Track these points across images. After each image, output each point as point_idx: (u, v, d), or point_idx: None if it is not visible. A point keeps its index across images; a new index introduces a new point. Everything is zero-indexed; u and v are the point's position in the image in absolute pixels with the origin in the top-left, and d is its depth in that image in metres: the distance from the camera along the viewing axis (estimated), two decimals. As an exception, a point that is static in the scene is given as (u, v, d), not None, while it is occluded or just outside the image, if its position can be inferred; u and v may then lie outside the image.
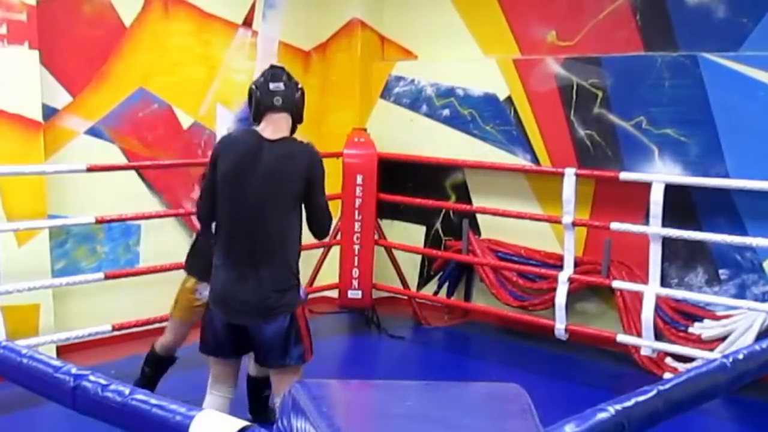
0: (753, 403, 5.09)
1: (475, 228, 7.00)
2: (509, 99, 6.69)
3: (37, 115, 5.52)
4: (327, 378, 4.20)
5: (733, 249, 5.62)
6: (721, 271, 5.73)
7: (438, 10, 7.13)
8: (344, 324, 7.18)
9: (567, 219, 5.99)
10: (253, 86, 3.71)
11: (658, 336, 5.68)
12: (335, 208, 7.03)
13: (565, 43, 6.43)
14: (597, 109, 6.20)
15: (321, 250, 7.01)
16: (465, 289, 7.22)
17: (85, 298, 5.93)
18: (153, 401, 1.93)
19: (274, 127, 3.67)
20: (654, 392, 1.92)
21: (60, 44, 5.77)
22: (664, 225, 5.54)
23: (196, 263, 4.62)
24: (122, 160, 6.19)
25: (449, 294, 7.17)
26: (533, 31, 6.61)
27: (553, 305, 6.03)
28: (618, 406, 1.82)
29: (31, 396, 2.21)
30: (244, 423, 1.83)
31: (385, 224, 7.35)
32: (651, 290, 5.60)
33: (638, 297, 5.76)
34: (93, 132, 6.03)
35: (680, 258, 5.88)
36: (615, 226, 5.78)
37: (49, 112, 5.73)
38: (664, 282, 5.81)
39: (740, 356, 2.23)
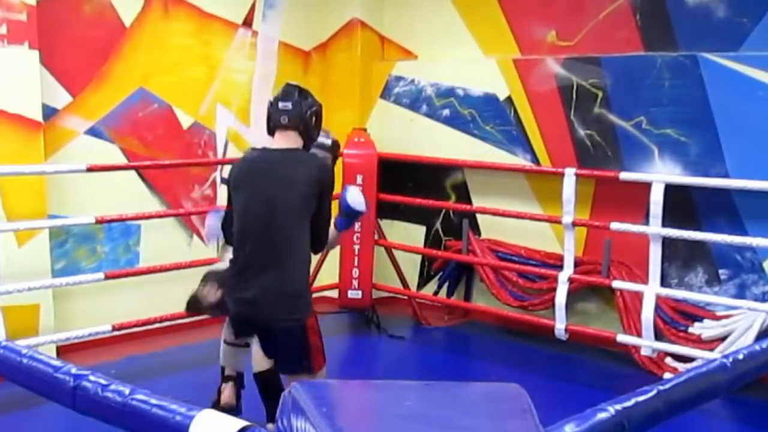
0: (753, 403, 5.08)
1: (475, 228, 6.99)
2: (509, 99, 6.69)
3: (37, 115, 5.52)
4: (327, 378, 4.22)
5: (733, 249, 5.61)
6: (721, 271, 5.73)
7: (438, 10, 7.13)
8: (344, 324, 7.18)
9: (567, 219, 5.98)
10: (269, 102, 3.85)
11: (658, 336, 5.67)
12: (335, 208, 7.07)
13: (565, 43, 6.43)
14: (597, 109, 6.19)
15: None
16: (465, 289, 7.22)
17: (85, 298, 5.93)
18: (153, 401, 1.94)
19: (282, 142, 3.80)
20: (654, 392, 1.92)
21: (60, 44, 5.77)
22: (664, 225, 5.53)
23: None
24: (122, 160, 6.19)
25: (449, 294, 7.17)
26: (533, 31, 6.61)
27: (553, 305, 6.02)
28: (618, 406, 1.82)
29: (31, 396, 2.22)
30: (244, 423, 1.85)
31: (385, 224, 7.35)
32: (651, 290, 5.60)
33: (638, 297, 5.75)
34: (93, 132, 6.03)
35: (680, 258, 5.88)
36: (615, 226, 5.77)
37: (49, 112, 5.74)
38: (664, 282, 5.80)
39: (740, 356, 2.23)
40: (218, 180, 6.81)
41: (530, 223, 6.49)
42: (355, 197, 4.04)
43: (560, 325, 5.98)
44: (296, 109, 3.75)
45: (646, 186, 5.58)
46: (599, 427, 1.77)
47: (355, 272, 6.83)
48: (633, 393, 1.88)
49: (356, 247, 6.84)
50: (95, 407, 1.96)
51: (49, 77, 5.74)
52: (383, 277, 7.20)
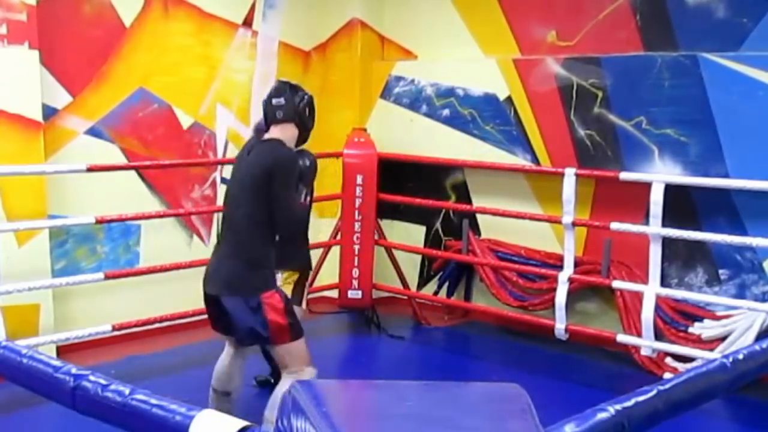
0: (753, 403, 5.08)
1: (475, 228, 6.99)
2: (509, 99, 6.69)
3: (37, 115, 5.52)
4: (327, 378, 4.23)
5: (733, 249, 5.61)
6: (721, 271, 5.73)
7: (438, 10, 7.13)
8: (344, 324, 7.18)
9: (567, 219, 5.98)
10: (263, 101, 4.12)
11: (658, 336, 5.67)
12: (335, 208, 7.08)
13: (565, 43, 6.43)
14: (597, 109, 6.19)
15: (321, 250, 7.01)
16: (465, 289, 7.22)
17: (85, 298, 5.93)
18: (153, 401, 1.94)
19: (275, 133, 4.06)
20: (654, 392, 1.92)
21: (60, 44, 5.77)
22: (664, 225, 5.53)
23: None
24: (122, 160, 6.19)
25: (449, 294, 7.17)
26: (533, 31, 6.61)
27: (553, 305, 6.02)
28: (618, 406, 1.82)
29: (31, 396, 2.22)
30: (243, 423, 1.84)
31: (385, 224, 7.34)
32: (651, 290, 5.59)
33: (638, 297, 5.74)
34: (93, 132, 6.03)
35: (680, 258, 5.88)
36: (615, 226, 5.77)
37: (49, 112, 5.74)
38: (664, 282, 5.80)
39: (740, 356, 2.23)
40: (218, 180, 6.82)
41: (530, 223, 6.49)
42: None
43: (560, 325, 5.97)
44: (289, 103, 4.02)
45: (646, 186, 5.58)
46: (599, 427, 1.77)
47: (355, 272, 6.83)
48: (633, 393, 1.88)
49: (356, 247, 6.84)
50: (95, 407, 1.96)
51: (49, 77, 5.73)
52: (383, 277, 7.20)
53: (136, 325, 5.82)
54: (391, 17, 7.52)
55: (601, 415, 1.79)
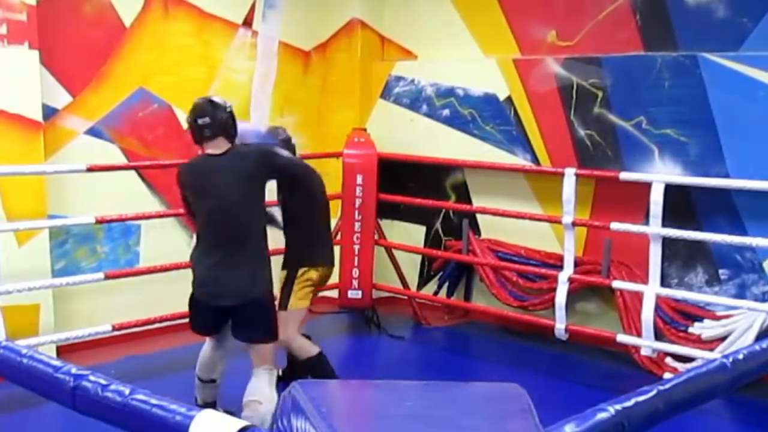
0: (753, 403, 5.08)
1: (475, 228, 6.99)
2: (509, 99, 6.68)
3: (37, 115, 5.53)
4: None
5: (733, 249, 5.60)
6: (721, 271, 5.73)
7: (438, 10, 7.13)
8: (344, 324, 7.18)
9: (567, 219, 5.98)
10: (187, 122, 4.31)
11: (658, 336, 5.67)
12: (335, 208, 7.06)
13: (565, 43, 6.42)
14: (597, 109, 6.18)
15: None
16: (465, 289, 7.21)
17: (85, 298, 5.94)
18: (153, 401, 1.92)
19: (212, 147, 4.27)
20: (654, 392, 1.92)
21: (60, 44, 5.77)
22: (664, 225, 5.53)
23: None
24: (122, 160, 6.20)
25: (449, 294, 7.17)
26: (533, 31, 6.60)
27: (553, 305, 6.02)
28: (618, 406, 1.82)
29: (31, 396, 2.21)
30: (243, 423, 1.84)
31: (385, 224, 7.34)
32: (651, 290, 5.59)
33: (638, 297, 5.74)
34: (93, 132, 6.04)
35: (680, 258, 5.87)
36: (615, 226, 5.77)
37: (49, 112, 5.74)
38: (664, 282, 5.79)
39: (740, 356, 2.23)
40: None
41: (530, 223, 6.48)
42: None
43: (560, 325, 5.97)
44: (215, 121, 4.21)
45: (646, 186, 5.58)
46: (599, 427, 1.76)
47: (355, 272, 6.83)
48: (633, 393, 1.88)
49: (356, 247, 6.84)
50: (95, 407, 1.95)
51: (49, 77, 5.74)
52: (383, 277, 7.20)
53: (136, 325, 5.83)
54: (391, 17, 7.52)
55: (601, 415, 1.79)
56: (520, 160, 6.63)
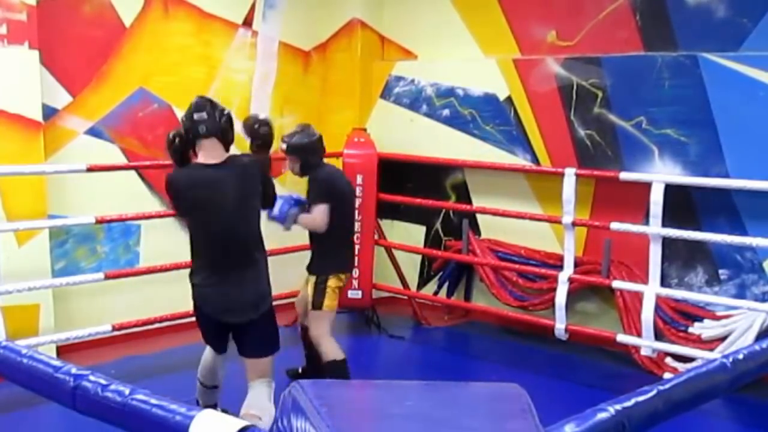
0: (753, 403, 5.08)
1: (475, 228, 6.98)
2: (509, 99, 6.68)
3: (37, 115, 5.53)
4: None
5: (733, 249, 5.60)
6: (721, 271, 5.72)
7: (438, 10, 7.13)
8: (344, 324, 7.16)
9: (567, 219, 5.98)
10: (182, 119, 4.21)
11: (658, 336, 5.67)
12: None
13: (565, 43, 6.42)
14: (597, 109, 6.18)
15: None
16: (465, 289, 7.21)
17: (85, 298, 5.94)
18: (153, 401, 1.92)
19: (206, 153, 4.10)
20: (654, 392, 1.92)
21: (60, 44, 5.77)
22: (664, 225, 5.53)
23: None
24: (122, 160, 6.20)
25: (449, 294, 7.17)
26: (533, 31, 6.60)
27: (553, 305, 6.02)
28: (618, 406, 1.82)
29: (31, 396, 2.21)
30: (244, 423, 1.84)
31: (385, 224, 7.35)
32: (651, 290, 5.59)
33: (638, 297, 5.74)
34: (93, 132, 6.05)
35: (680, 258, 5.87)
36: (615, 226, 5.77)
37: (49, 112, 5.75)
38: (664, 282, 5.80)
39: (740, 356, 2.23)
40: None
41: (530, 223, 6.48)
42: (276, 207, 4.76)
43: (560, 325, 5.97)
44: (211, 118, 4.07)
45: (646, 186, 5.58)
46: (599, 427, 1.76)
47: (355, 272, 6.81)
48: (633, 393, 1.88)
49: (356, 247, 6.83)
50: (95, 407, 1.94)
51: (49, 77, 5.75)
52: (383, 277, 7.20)
53: (135, 325, 5.84)
54: (391, 17, 7.52)
55: (601, 415, 1.79)
56: (520, 160, 6.63)
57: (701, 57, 5.59)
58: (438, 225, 7.31)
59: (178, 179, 4.18)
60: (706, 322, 5.66)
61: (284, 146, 4.99)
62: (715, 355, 5.14)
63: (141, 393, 1.92)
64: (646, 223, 5.66)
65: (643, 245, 5.66)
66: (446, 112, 7.06)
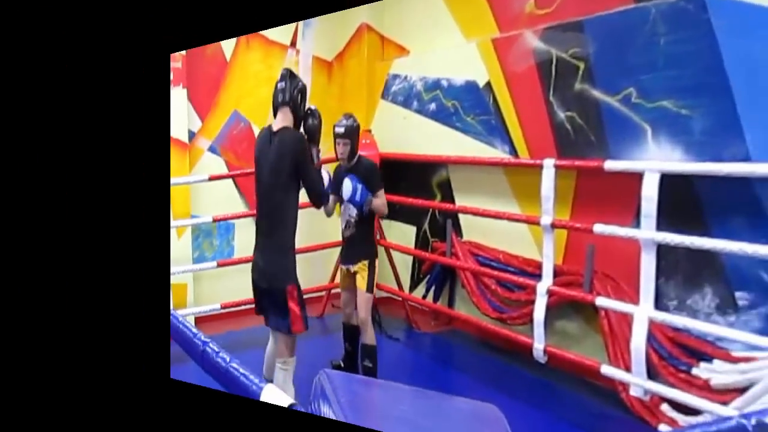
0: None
1: (458, 229, 6.56)
2: (488, 85, 6.03)
3: (185, 138, 7.07)
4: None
5: (755, 263, 4.08)
6: (737, 294, 4.27)
7: (426, 1, 6.91)
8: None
9: (546, 220, 5.17)
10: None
11: (652, 374, 4.54)
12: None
13: (543, 10, 5.48)
14: (578, 84, 5.14)
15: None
16: (449, 294, 6.79)
17: (206, 282, 7.24)
18: (242, 370, 2.90)
19: (279, 119, 4.54)
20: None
21: (194, 81, 7.16)
22: (659, 228, 4.42)
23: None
24: (225, 170, 7.47)
25: (435, 298, 6.86)
26: (511, 4, 5.84)
27: (531, 320, 5.30)
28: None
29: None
30: (292, 400, 2.63)
31: (385, 224, 7.27)
32: (642, 312, 4.50)
33: (626, 320, 4.71)
34: (211, 149, 7.42)
35: (681, 272, 4.57)
36: (599, 228, 4.76)
37: (191, 136, 7.18)
38: (660, 303, 4.59)
39: (766, 419, 1.75)
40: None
41: (508, 224, 5.77)
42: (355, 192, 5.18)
43: (539, 345, 5.20)
44: (287, 89, 4.55)
45: (637, 177, 4.50)
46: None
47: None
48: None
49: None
50: (211, 368, 2.93)
51: (189, 107, 7.14)
52: (383, 277, 7.00)
53: (238, 305, 6.83)
54: (390, 16, 7.54)
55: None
56: (499, 153, 5.93)
57: (709, -3, 4.28)
58: (426, 225, 7.11)
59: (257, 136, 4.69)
60: (717, 363, 4.30)
61: (342, 129, 5.28)
62: (731, 411, 4.04)
63: (235, 362, 2.81)
64: (637, 225, 4.57)
65: (633, 253, 4.58)
66: (433, 106, 6.74)
